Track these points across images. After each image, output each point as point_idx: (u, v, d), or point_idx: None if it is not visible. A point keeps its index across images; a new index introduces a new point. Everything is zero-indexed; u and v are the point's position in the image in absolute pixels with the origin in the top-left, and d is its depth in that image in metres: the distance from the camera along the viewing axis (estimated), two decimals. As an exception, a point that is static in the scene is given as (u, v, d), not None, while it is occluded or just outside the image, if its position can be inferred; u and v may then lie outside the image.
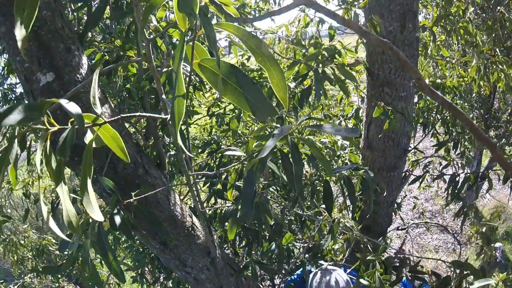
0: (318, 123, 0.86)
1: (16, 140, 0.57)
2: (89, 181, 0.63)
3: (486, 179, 2.25)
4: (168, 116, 0.64)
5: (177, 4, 0.50)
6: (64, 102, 0.50)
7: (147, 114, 0.63)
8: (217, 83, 0.53)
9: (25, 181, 3.84)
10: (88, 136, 0.62)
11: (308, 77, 1.35)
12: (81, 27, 2.01)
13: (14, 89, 3.14)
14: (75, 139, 0.53)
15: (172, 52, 1.53)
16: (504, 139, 5.05)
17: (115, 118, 0.59)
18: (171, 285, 2.41)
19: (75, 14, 1.95)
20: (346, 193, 1.26)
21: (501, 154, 0.71)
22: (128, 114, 0.58)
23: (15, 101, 3.06)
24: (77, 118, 0.49)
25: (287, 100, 0.63)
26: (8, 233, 4.39)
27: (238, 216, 1.20)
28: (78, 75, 1.32)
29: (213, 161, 1.73)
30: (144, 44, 0.71)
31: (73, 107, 0.50)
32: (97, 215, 0.63)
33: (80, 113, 0.50)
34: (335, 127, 0.82)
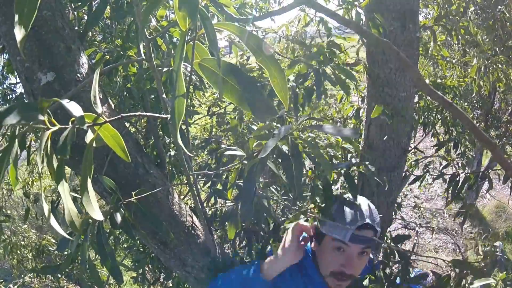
0: (318, 123, 0.86)
1: (16, 140, 0.57)
2: (89, 180, 0.63)
3: (486, 179, 2.25)
4: (169, 116, 0.64)
5: (177, 4, 0.50)
6: (65, 101, 0.50)
7: (148, 114, 0.63)
8: (217, 83, 0.53)
9: (25, 181, 3.85)
10: (89, 136, 0.62)
11: (310, 77, 1.34)
12: (81, 27, 2.01)
13: (14, 89, 3.14)
14: (75, 139, 0.53)
15: (173, 51, 1.53)
16: (504, 139, 5.05)
17: (116, 117, 0.59)
18: (171, 285, 2.41)
19: (75, 13, 1.95)
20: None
21: (501, 154, 0.71)
22: (128, 114, 0.58)
23: (15, 101, 3.05)
24: (78, 117, 0.49)
25: (288, 100, 0.63)
26: (8, 233, 4.39)
27: (237, 216, 1.21)
28: (78, 75, 1.32)
29: (213, 161, 1.73)
30: (144, 44, 0.71)
31: (73, 107, 0.50)
32: (97, 215, 0.63)
33: (81, 113, 0.51)
34: (335, 128, 0.82)
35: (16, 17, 0.62)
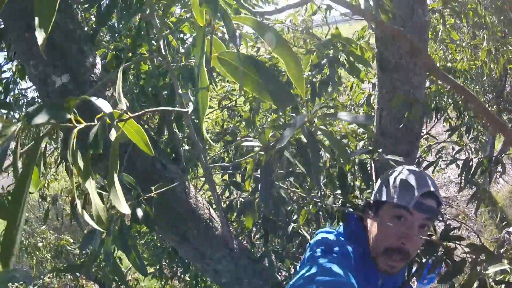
0: (333, 111, 0.87)
1: (42, 141, 0.59)
2: (115, 176, 0.65)
3: (499, 164, 2.23)
4: (189, 109, 0.65)
5: (197, 0, 0.51)
6: (93, 99, 0.52)
7: (170, 108, 0.65)
8: (237, 75, 0.55)
9: (41, 183, 3.92)
10: (113, 133, 0.64)
11: (325, 66, 1.34)
12: (89, 27, 2.03)
13: (25, 94, 3.19)
14: (105, 134, 0.55)
15: (181, 47, 1.55)
16: (516, 122, 4.97)
17: (140, 113, 0.61)
18: (188, 279, 2.46)
19: (83, 14, 1.97)
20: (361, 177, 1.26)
21: None
22: (150, 109, 0.60)
23: (26, 107, 3.11)
24: (108, 113, 0.51)
25: (304, 89, 0.64)
26: (26, 236, 4.49)
27: (255, 206, 1.22)
28: (92, 75, 1.35)
29: (227, 153, 1.75)
30: (161, 42, 0.73)
31: (103, 104, 0.52)
32: (124, 208, 0.65)
33: (110, 109, 0.52)
34: (350, 115, 0.82)
35: (36, 20, 0.63)
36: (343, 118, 0.83)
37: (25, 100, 3.19)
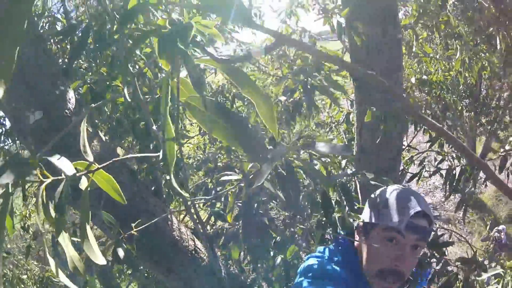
0: (311, 142, 0.87)
1: (11, 197, 0.57)
2: (88, 227, 0.63)
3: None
4: (160, 154, 0.64)
5: (158, 50, 0.50)
6: (55, 159, 0.51)
7: (140, 155, 0.64)
8: (205, 122, 0.54)
9: (22, 214, 3.80)
10: (83, 182, 0.62)
11: (298, 89, 1.35)
12: (65, 56, 2.00)
13: (3, 123, 3.10)
14: (69, 199, 0.53)
15: (159, 74, 1.54)
16: (496, 124, 5.11)
17: (108, 163, 0.59)
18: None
19: (58, 46, 1.95)
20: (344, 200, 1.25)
21: (494, 172, 0.73)
22: (121, 157, 0.58)
23: (4, 135, 3.03)
24: (70, 176, 0.49)
25: (276, 128, 0.64)
26: (10, 266, 4.33)
27: (240, 237, 1.21)
28: (66, 111, 1.32)
29: (210, 180, 1.73)
30: (130, 81, 0.72)
31: (64, 164, 0.50)
32: (99, 260, 0.63)
33: (73, 170, 0.51)
34: (328, 146, 0.82)
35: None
36: (321, 150, 0.83)
37: (3, 129, 3.10)
